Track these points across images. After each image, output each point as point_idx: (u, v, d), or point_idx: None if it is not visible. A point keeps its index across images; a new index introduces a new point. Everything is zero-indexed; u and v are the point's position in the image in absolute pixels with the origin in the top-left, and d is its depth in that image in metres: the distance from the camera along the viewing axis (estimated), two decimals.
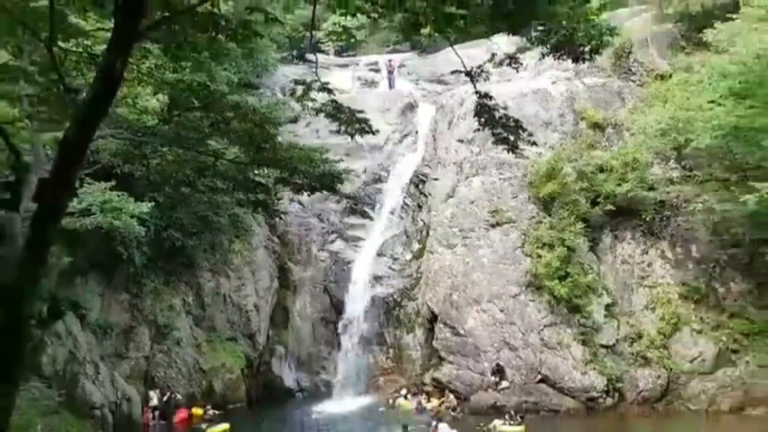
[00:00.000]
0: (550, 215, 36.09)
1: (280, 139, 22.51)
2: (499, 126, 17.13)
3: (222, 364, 36.20)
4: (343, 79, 46.66)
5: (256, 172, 25.26)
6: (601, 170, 35.97)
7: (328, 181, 22.75)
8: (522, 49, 19.64)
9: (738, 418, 30.56)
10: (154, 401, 33.42)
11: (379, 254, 39.37)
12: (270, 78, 47.73)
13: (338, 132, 18.96)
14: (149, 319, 34.69)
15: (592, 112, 39.63)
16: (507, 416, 30.29)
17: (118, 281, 34.20)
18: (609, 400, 32.40)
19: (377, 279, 38.71)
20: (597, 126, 39.21)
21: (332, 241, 41.06)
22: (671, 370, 32.84)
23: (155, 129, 18.48)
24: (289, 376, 38.05)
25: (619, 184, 34.94)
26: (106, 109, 10.31)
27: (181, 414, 33.55)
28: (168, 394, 33.82)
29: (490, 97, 16.70)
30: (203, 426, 31.22)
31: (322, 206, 41.33)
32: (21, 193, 12.70)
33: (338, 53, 59.34)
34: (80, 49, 16.06)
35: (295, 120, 41.79)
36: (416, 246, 39.70)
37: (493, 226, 36.75)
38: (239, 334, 37.84)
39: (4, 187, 22.98)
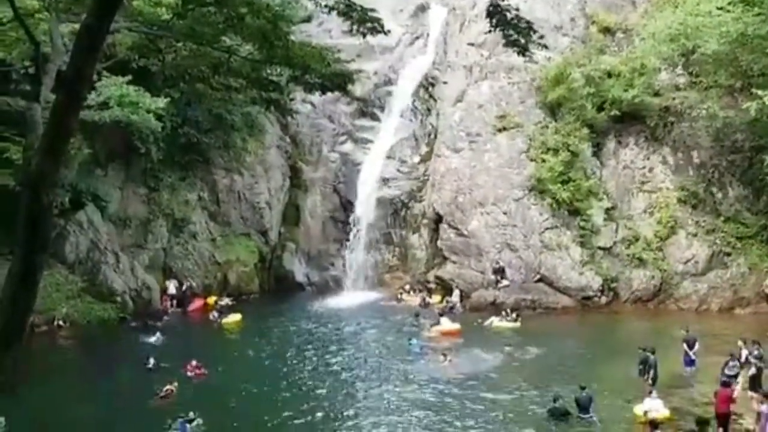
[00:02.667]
0: (556, 120, 35.81)
1: (292, 37, 22.12)
2: (511, 28, 16.69)
3: (236, 257, 36.90)
4: None
5: (269, 70, 24.95)
6: (609, 75, 35.39)
7: (339, 81, 22.40)
8: None
9: (727, 316, 31.27)
10: (172, 290, 34.35)
11: (388, 156, 39.27)
12: None
13: (350, 32, 18.59)
14: (166, 213, 35.18)
15: (603, 16, 38.67)
16: (503, 313, 31.01)
17: (136, 175, 34.50)
18: (603, 299, 33.12)
19: (385, 180, 38.77)
20: (607, 30, 38.32)
21: (343, 143, 40.90)
22: (665, 271, 33.35)
23: (170, 23, 18.10)
24: (299, 271, 38.75)
25: (626, 90, 34.44)
26: (122, 0, 10.10)
27: (197, 302, 34.46)
28: (185, 284, 34.67)
29: None
30: (215, 314, 32.00)
31: (333, 107, 40.96)
32: (41, 84, 12.59)
33: None
34: None
35: (308, 19, 40.82)
36: (424, 149, 39.55)
37: (499, 130, 36.51)
38: (252, 230, 38.37)
39: (25, 79, 22.90)
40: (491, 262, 34.44)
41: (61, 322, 29.23)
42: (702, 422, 13.69)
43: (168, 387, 21.33)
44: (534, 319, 31.51)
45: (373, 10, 17.39)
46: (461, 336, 28.84)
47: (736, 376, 19.98)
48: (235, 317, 31.79)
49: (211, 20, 17.20)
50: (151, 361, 24.14)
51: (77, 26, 13.00)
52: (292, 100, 38.41)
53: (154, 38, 18.94)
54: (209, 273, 36.05)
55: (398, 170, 39.24)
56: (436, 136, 39.03)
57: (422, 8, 43.99)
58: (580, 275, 33.31)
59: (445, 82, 39.74)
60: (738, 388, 18.80)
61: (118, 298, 31.65)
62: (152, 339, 27.73)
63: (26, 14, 15.76)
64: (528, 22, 16.94)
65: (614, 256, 34.15)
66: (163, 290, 34.20)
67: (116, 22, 13.68)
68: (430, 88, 40.61)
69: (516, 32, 17.09)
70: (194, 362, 23.58)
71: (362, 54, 38.23)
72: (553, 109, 36.03)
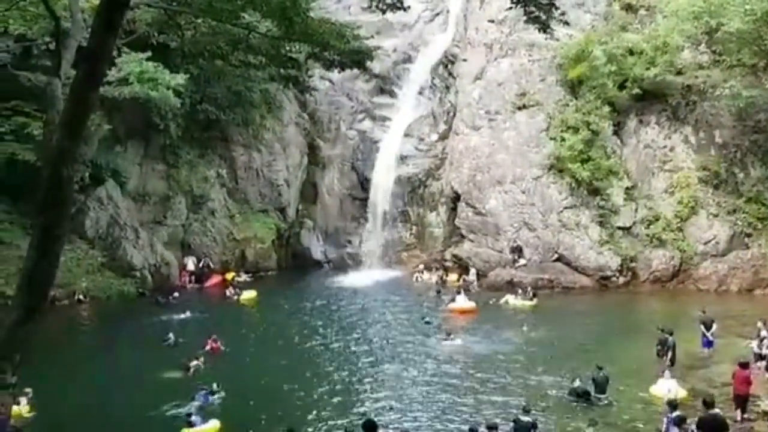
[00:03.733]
0: (576, 98, 35.39)
1: (312, 14, 22.01)
2: (532, 4, 16.54)
3: (254, 234, 37.05)
4: None
5: (288, 47, 24.86)
6: (631, 53, 34.84)
7: (358, 58, 22.44)
8: None
9: (746, 297, 30.98)
10: (190, 266, 34.61)
11: (406, 134, 39.14)
12: None
13: (370, 9, 18.49)
14: (185, 189, 35.33)
15: None
16: (520, 291, 30.94)
17: (155, 151, 34.63)
18: (622, 279, 32.91)
19: (403, 158, 38.67)
20: (630, 7, 37.65)
21: (361, 120, 40.81)
22: (684, 251, 33.05)
23: None
24: (317, 248, 38.89)
25: (648, 68, 33.93)
26: None
27: (215, 279, 34.70)
28: (203, 260, 34.91)
29: None
30: (232, 290, 32.15)
31: (351, 85, 40.82)
32: (61, 59, 12.64)
33: None
34: None
35: None
36: (442, 127, 39.35)
37: (519, 108, 36.19)
38: (270, 207, 38.48)
39: (45, 54, 22.98)
40: (509, 241, 34.31)
41: (81, 297, 29.58)
42: (708, 404, 13.67)
43: (195, 362, 21.54)
44: (551, 298, 31.43)
45: None
46: (477, 314, 28.84)
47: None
48: (251, 293, 31.98)
49: None
50: (171, 336, 24.38)
51: (97, 2, 13.00)
52: (310, 77, 38.32)
53: (174, 14, 18.92)
54: (227, 249, 36.25)
55: (416, 148, 39.11)
56: (454, 114, 38.79)
57: None
58: (599, 255, 33.11)
59: (464, 60, 39.40)
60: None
61: (137, 274, 31.95)
62: (182, 316, 27.89)
63: None
64: None
65: (633, 236, 33.88)
66: (182, 266, 34.46)
67: None
68: (450, 66, 40.32)
69: (537, 8, 16.94)
70: (213, 337, 23.78)
71: (381, 31, 38.00)
72: (574, 87, 35.60)
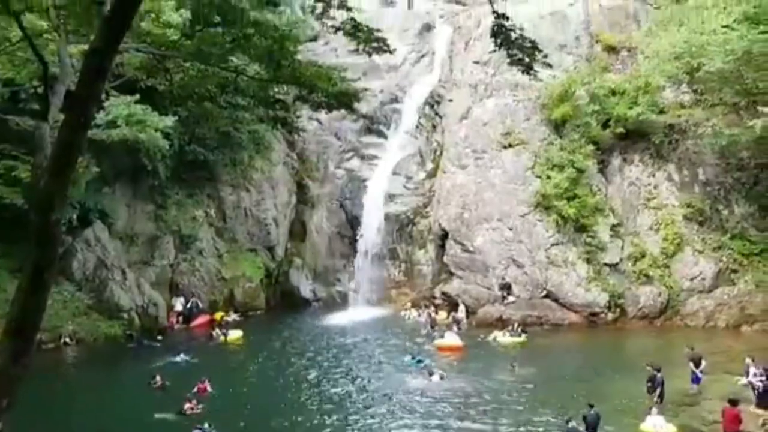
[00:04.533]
0: (561, 137, 35.83)
1: (299, 57, 22.27)
2: (515, 47, 16.77)
3: (242, 273, 36.87)
4: None
5: (276, 89, 25.07)
6: (614, 93, 35.47)
7: (346, 100, 22.60)
8: None
9: (734, 333, 31.00)
10: (179, 307, 34.30)
11: (394, 173, 39.36)
12: None
13: (356, 51, 18.75)
14: (173, 229, 35.21)
15: (607, 35, 38.77)
16: (510, 328, 30.89)
17: (143, 192, 34.59)
18: (610, 315, 32.92)
19: (391, 197, 38.80)
20: (612, 49, 38.42)
21: (349, 159, 41.04)
22: (671, 288, 33.18)
23: (178, 44, 18.28)
24: (305, 287, 38.73)
25: (630, 108, 34.48)
26: (130, 21, 10.17)
27: (202, 319, 34.34)
28: (191, 300, 34.63)
29: (508, 18, 16.31)
30: (218, 331, 31.78)
31: (339, 125, 41.11)
32: (49, 103, 12.67)
33: None
34: None
35: (314, 39, 41.15)
36: (430, 165, 39.63)
37: (505, 147, 36.56)
38: (259, 246, 38.39)
39: (33, 98, 23.03)
40: (497, 278, 34.36)
41: (67, 340, 29.19)
42: None
43: (187, 404, 21.26)
44: (541, 335, 31.38)
45: (379, 30, 17.57)
46: (465, 352, 28.70)
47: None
48: (237, 333, 31.61)
49: (219, 41, 17.39)
50: (158, 378, 24.06)
51: (86, 46, 13.09)
52: (298, 117, 38.59)
53: (162, 58, 19.08)
54: (215, 289, 36.02)
55: (404, 186, 39.31)
56: (441, 153, 39.11)
57: (428, 27, 44.30)
58: (587, 291, 33.18)
59: (450, 100, 39.90)
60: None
61: (125, 315, 31.60)
62: (177, 359, 27.50)
63: (35, 34, 15.88)
64: (532, 41, 17.01)
65: (621, 273, 34.01)
66: (170, 307, 34.16)
67: (125, 43, 13.78)
68: (436, 106, 40.76)
69: (520, 51, 17.16)
70: (203, 379, 23.47)
71: (368, 72, 38.48)
72: (558, 126, 36.06)
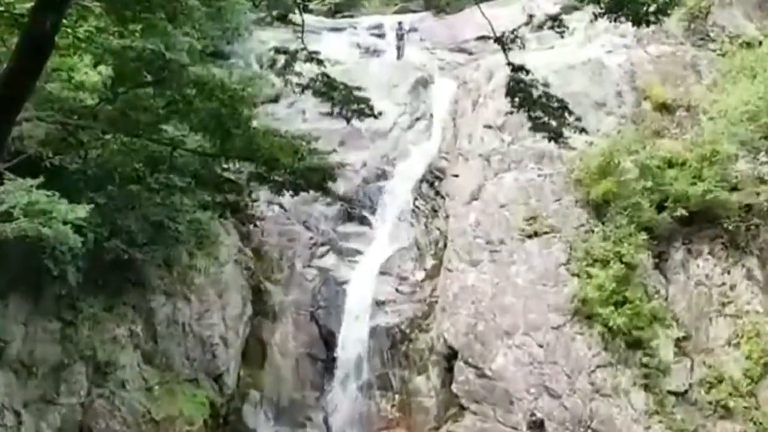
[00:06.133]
0: (603, 223, 36.10)
1: (255, 123, 22.62)
2: (538, 108, 17.13)
3: (179, 412, 36.21)
4: (337, 46, 46.93)
5: (225, 165, 25.33)
6: (671, 165, 35.95)
7: (316, 178, 22.92)
8: (568, 9, 19.71)
9: None
10: None
11: (383, 272, 39.39)
12: (243, 45, 47.84)
13: (331, 115, 19.10)
14: (86, 355, 34.72)
15: (658, 89, 39.64)
16: None
17: (47, 306, 34.24)
18: None
19: (380, 304, 38.68)
20: (665, 107, 39.20)
21: (322, 255, 41.10)
22: (761, 423, 32.81)
23: (96, 110, 18.56)
24: (265, 429, 38.10)
25: (693, 183, 34.91)
26: (33, 84, 10.37)
27: None
28: None
29: (527, 71, 16.71)
30: None
31: (308, 210, 41.40)
32: None
33: (332, 13, 59.36)
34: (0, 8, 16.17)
35: (275, 99, 42.01)
36: (430, 262, 39.74)
37: (529, 236, 36.79)
38: (202, 374, 37.87)
39: None
40: (525, 413, 33.94)
41: None
42: None
43: None
44: None
45: (359, 88, 17.90)
46: None
47: None
48: None
49: (149, 105, 17.65)
50: None
51: None
52: (254, 202, 38.85)
53: (75, 129, 19.32)
54: None
55: (397, 290, 39.27)
56: (445, 245, 39.29)
57: (424, 82, 45.37)
58: (647, 429, 32.79)
59: (455, 175, 40.36)
60: None
61: None
62: None
63: None
64: (560, 100, 17.41)
65: (690, 404, 33.71)
66: None
67: (26, 110, 13.96)
68: (437, 183, 41.23)
69: (545, 113, 17.50)
70: None
71: (346, 141, 39.14)
72: (599, 209, 36.39)
